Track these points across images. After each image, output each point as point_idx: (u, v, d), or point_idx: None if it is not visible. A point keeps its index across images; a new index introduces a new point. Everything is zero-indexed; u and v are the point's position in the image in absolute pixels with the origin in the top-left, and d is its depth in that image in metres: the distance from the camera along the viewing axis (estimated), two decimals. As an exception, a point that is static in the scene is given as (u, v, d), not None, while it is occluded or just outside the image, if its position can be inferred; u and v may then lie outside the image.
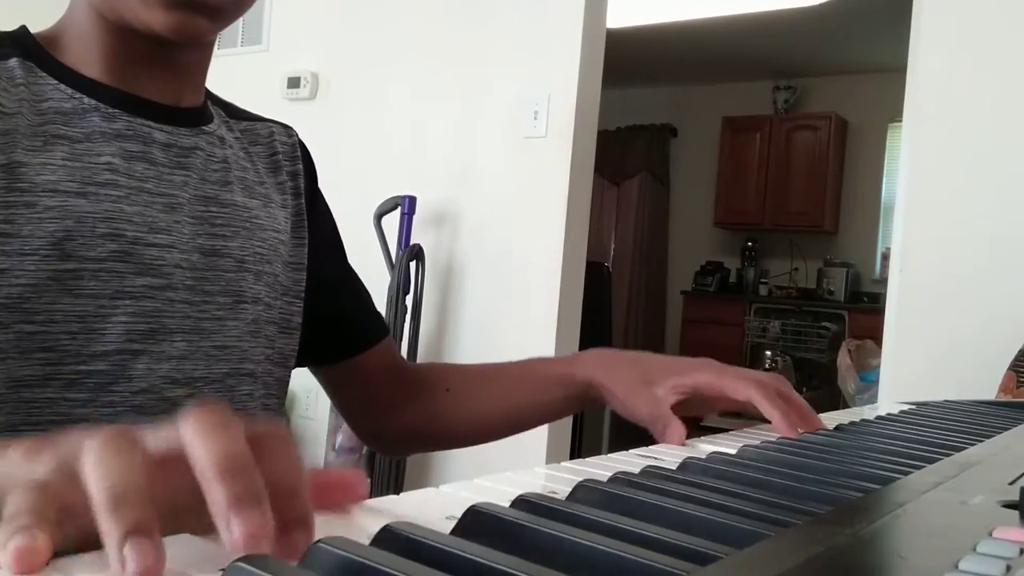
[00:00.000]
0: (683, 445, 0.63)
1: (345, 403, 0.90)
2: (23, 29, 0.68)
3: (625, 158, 6.42)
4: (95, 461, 0.29)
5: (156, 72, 0.69)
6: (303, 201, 0.81)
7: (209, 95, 0.78)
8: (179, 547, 0.29)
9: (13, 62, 0.65)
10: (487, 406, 0.87)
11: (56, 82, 0.65)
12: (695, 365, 0.75)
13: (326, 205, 0.86)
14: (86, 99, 0.65)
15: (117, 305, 0.62)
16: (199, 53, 0.72)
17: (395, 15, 2.97)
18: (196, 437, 0.30)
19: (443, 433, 0.90)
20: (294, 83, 3.15)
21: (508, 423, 0.87)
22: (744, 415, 0.68)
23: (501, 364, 0.89)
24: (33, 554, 0.26)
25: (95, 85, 0.66)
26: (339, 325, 0.85)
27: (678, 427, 0.68)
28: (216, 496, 0.28)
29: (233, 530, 0.28)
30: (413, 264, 2.75)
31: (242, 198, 0.73)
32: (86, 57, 0.67)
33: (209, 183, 0.71)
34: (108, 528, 0.27)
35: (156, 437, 0.32)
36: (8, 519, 0.28)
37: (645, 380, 0.75)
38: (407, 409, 0.88)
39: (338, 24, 3.12)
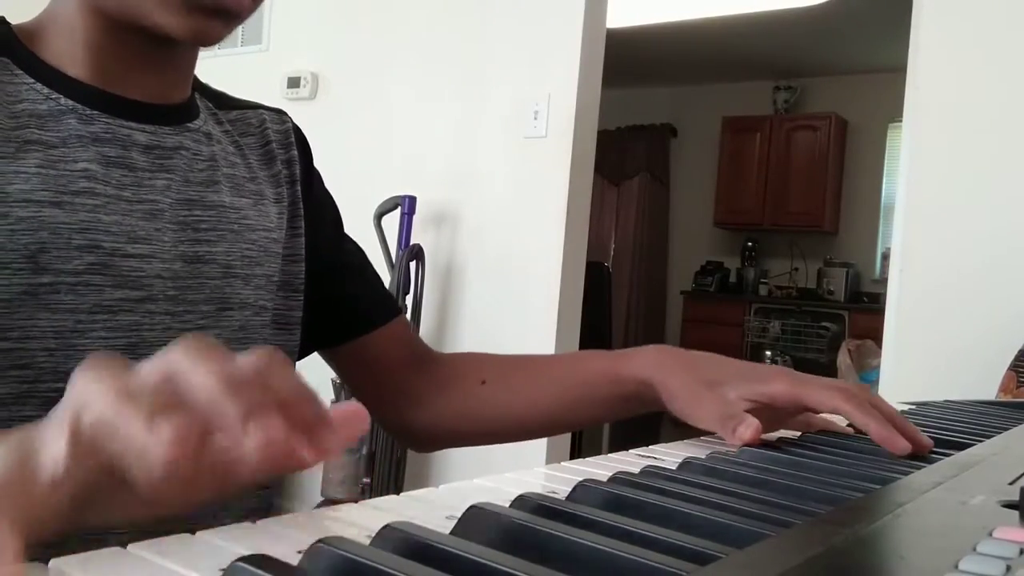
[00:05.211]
0: (757, 443, 0.56)
1: (360, 391, 0.84)
2: (1, 21, 0.65)
3: (625, 158, 6.42)
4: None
5: (147, 70, 0.66)
6: (299, 188, 0.78)
7: (201, 87, 0.75)
8: (179, 547, 0.29)
9: None
10: (529, 402, 0.79)
11: (32, 81, 0.62)
12: (770, 372, 0.66)
13: (323, 185, 0.83)
14: (63, 100, 0.62)
15: (95, 320, 0.60)
16: (194, 51, 0.70)
17: (395, 15, 2.97)
18: (191, 363, 0.30)
19: (478, 429, 0.82)
20: (294, 83, 3.15)
21: (552, 421, 0.80)
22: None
23: (544, 356, 0.83)
24: None
25: (74, 84, 0.63)
26: (339, 306, 0.81)
27: (752, 421, 0.58)
28: (227, 412, 0.28)
29: (249, 441, 0.28)
30: (413, 264, 2.75)
31: (230, 198, 0.70)
32: (70, 53, 0.63)
33: (193, 185, 0.68)
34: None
35: (147, 369, 0.31)
36: None
37: (712, 383, 0.66)
38: (435, 402, 0.82)
39: (338, 24, 3.12)
